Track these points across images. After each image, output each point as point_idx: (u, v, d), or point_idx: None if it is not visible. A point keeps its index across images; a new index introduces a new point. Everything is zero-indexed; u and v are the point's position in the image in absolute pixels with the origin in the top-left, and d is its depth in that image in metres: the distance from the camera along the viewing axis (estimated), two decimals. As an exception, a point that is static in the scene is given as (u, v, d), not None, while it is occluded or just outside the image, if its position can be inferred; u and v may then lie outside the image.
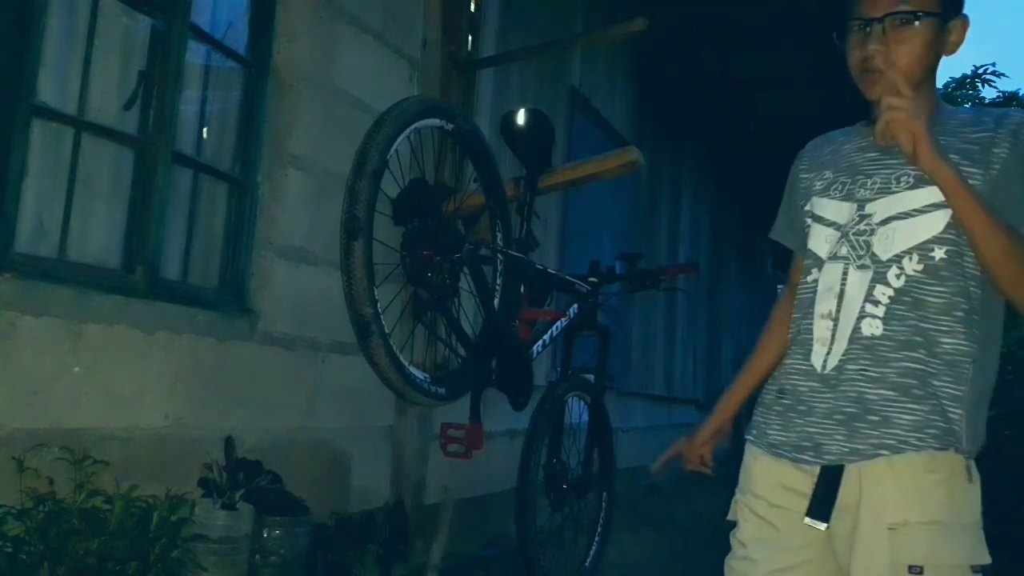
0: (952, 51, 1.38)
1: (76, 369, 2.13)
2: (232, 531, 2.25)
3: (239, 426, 2.60)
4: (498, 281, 2.56)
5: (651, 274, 3.06)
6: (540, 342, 2.74)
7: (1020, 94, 15.37)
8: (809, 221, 1.45)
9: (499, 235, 2.60)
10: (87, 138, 2.29)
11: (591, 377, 3.03)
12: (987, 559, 1.28)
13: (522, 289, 2.67)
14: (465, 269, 2.24)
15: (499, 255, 2.53)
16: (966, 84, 15.39)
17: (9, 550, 1.83)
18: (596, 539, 3.06)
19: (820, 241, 1.42)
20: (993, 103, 15.27)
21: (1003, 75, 12.42)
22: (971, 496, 1.30)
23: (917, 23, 1.32)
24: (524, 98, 4.31)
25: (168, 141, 2.46)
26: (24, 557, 1.83)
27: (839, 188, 1.42)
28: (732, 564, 1.47)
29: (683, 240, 7.84)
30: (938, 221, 1.30)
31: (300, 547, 2.48)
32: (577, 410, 2.99)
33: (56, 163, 2.22)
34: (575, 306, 2.94)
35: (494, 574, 3.58)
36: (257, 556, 2.38)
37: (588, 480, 2.99)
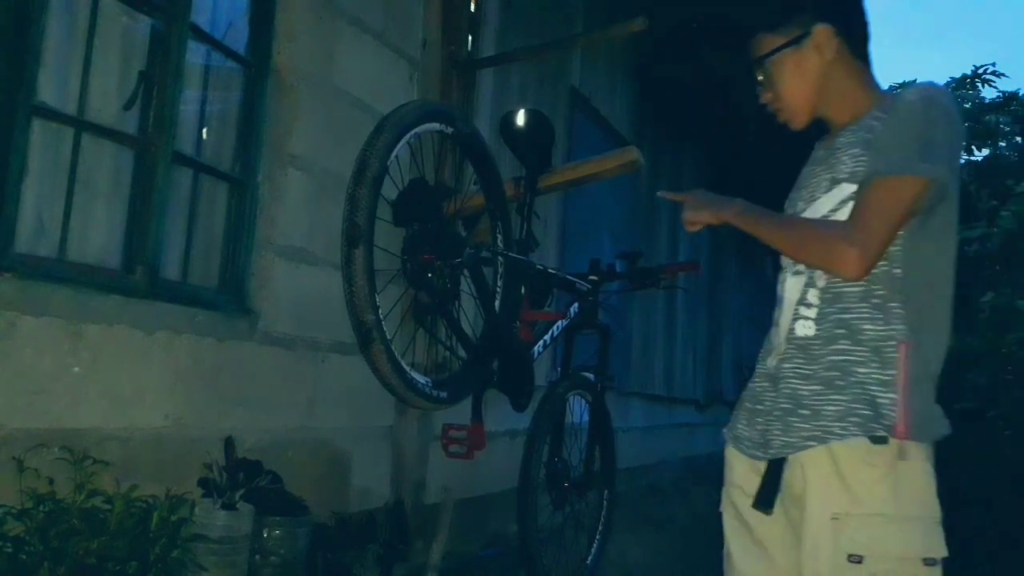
0: (831, 55, 1.47)
1: (76, 369, 2.13)
2: (232, 531, 2.25)
3: (239, 426, 2.60)
4: (498, 283, 2.56)
5: (651, 272, 3.06)
6: (541, 343, 2.74)
7: (1020, 94, 15.38)
8: None
9: (499, 237, 2.60)
10: (87, 138, 2.29)
11: (592, 376, 3.03)
12: (941, 552, 1.30)
13: (522, 290, 2.67)
14: (465, 272, 2.24)
15: (499, 257, 2.53)
16: (966, 84, 15.39)
17: (9, 550, 1.82)
18: (597, 538, 3.05)
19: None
20: (993, 103, 15.29)
21: (1003, 75, 12.42)
22: (919, 488, 1.33)
23: (769, 63, 1.49)
24: (524, 98, 4.31)
25: (168, 141, 2.46)
26: (24, 557, 1.83)
27: (791, 203, 1.55)
28: (726, 562, 1.57)
29: (683, 240, 7.84)
30: (848, 215, 1.37)
31: (300, 547, 2.48)
32: (578, 409, 2.99)
33: (56, 163, 2.22)
34: (575, 306, 2.94)
35: (494, 574, 3.58)
36: (257, 556, 2.38)
37: (589, 479, 2.99)
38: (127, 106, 2.41)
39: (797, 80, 1.49)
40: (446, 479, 3.52)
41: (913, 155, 1.31)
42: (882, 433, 1.31)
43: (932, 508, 1.33)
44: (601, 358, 3.08)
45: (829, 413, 1.36)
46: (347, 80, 3.13)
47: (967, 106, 15.29)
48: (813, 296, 1.42)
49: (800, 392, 1.40)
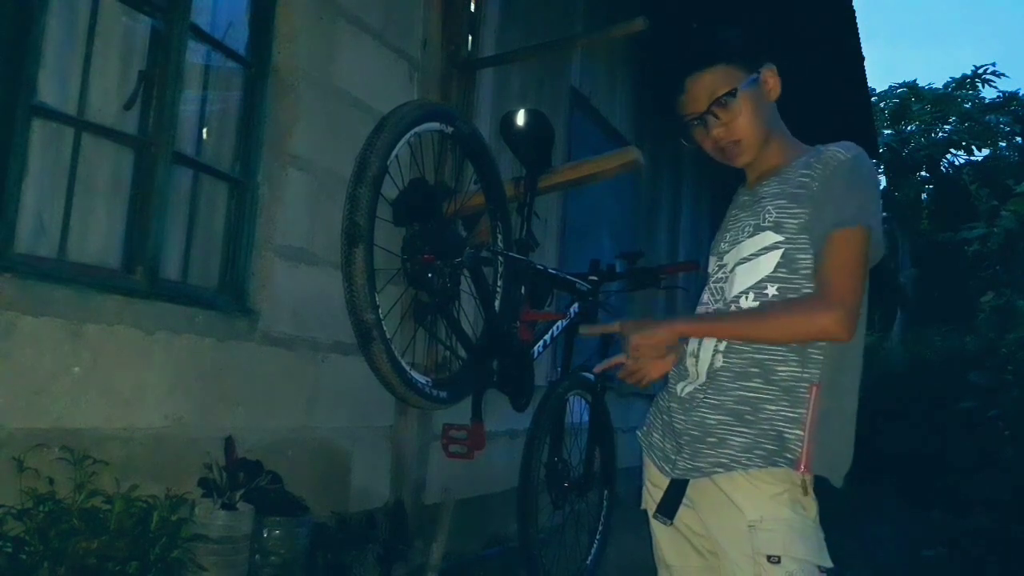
0: (775, 96, 1.56)
1: (76, 369, 2.13)
2: (232, 531, 2.25)
3: (239, 426, 2.60)
4: (498, 283, 2.56)
5: (651, 273, 3.06)
6: (541, 343, 2.74)
7: (1020, 94, 15.39)
8: None
9: (499, 236, 2.60)
10: (87, 138, 2.29)
11: (592, 376, 3.03)
12: (830, 563, 1.43)
13: (522, 290, 2.67)
14: (466, 271, 2.24)
15: (499, 257, 2.53)
16: (966, 84, 15.41)
17: (9, 550, 1.83)
18: (597, 538, 3.05)
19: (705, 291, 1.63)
20: (993, 103, 15.30)
21: (1003, 75, 12.44)
22: (811, 506, 1.45)
23: (736, 98, 1.51)
24: (524, 98, 4.31)
25: (168, 141, 2.46)
26: (24, 557, 1.83)
27: (716, 245, 1.63)
28: (655, 552, 1.68)
29: (683, 239, 7.84)
30: (771, 261, 1.48)
31: (300, 547, 2.48)
32: (578, 409, 2.99)
33: (56, 163, 2.22)
34: (575, 306, 2.94)
35: (494, 574, 3.58)
36: (257, 556, 2.38)
37: (589, 479, 2.99)
38: (127, 106, 2.41)
39: (754, 117, 1.53)
40: (446, 479, 3.52)
41: (856, 208, 1.41)
42: (783, 464, 1.43)
43: (818, 528, 1.45)
44: (601, 358, 3.08)
45: (736, 444, 1.46)
46: (347, 80, 3.12)
47: (967, 106, 15.30)
48: None
49: (708, 421, 1.49)
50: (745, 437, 1.45)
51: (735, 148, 1.55)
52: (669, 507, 1.54)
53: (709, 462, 1.48)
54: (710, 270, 1.62)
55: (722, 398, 1.48)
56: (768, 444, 1.43)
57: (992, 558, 5.02)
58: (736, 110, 1.51)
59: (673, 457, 1.55)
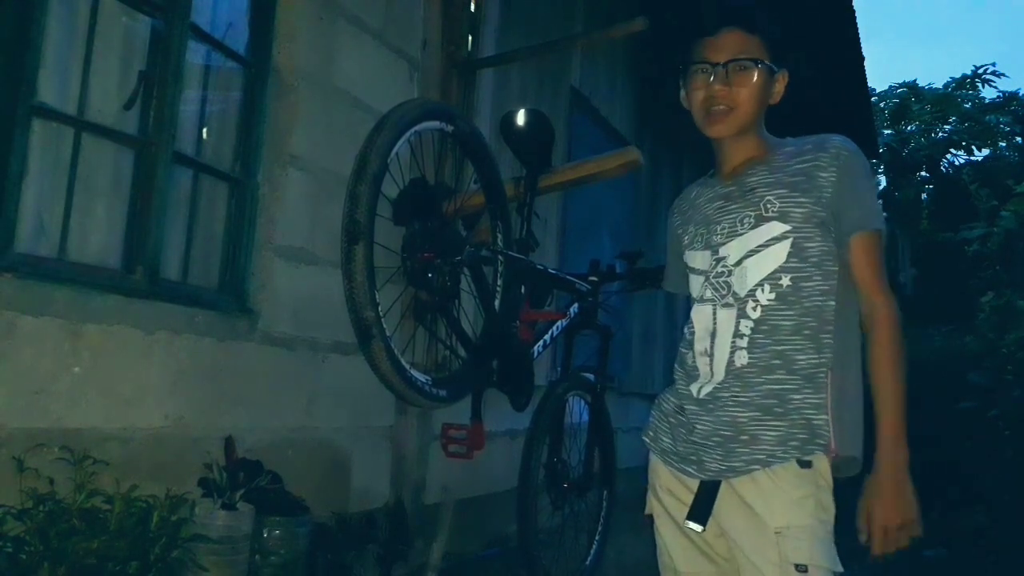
0: (776, 100, 1.57)
1: (76, 369, 2.13)
2: (232, 531, 2.25)
3: (239, 426, 2.60)
4: (498, 282, 2.56)
5: (651, 273, 3.06)
6: (540, 342, 2.73)
7: (1020, 94, 15.39)
8: (687, 272, 1.64)
9: (499, 236, 2.60)
10: (87, 138, 2.29)
11: (591, 376, 3.03)
12: (842, 568, 1.44)
13: (522, 290, 2.67)
14: (466, 271, 2.24)
15: (499, 256, 2.53)
16: (966, 84, 15.41)
17: (9, 550, 1.82)
18: (597, 538, 3.05)
19: (695, 288, 1.61)
20: (993, 103, 15.30)
21: (1003, 75, 12.45)
22: (830, 511, 1.45)
23: (756, 68, 1.51)
24: (524, 98, 4.31)
25: (168, 141, 2.46)
26: (24, 557, 1.83)
27: (700, 239, 1.61)
28: (662, 560, 1.64)
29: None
30: (781, 252, 1.48)
31: (300, 547, 2.48)
32: (578, 409, 2.99)
33: (56, 163, 2.22)
34: (575, 306, 2.94)
35: (494, 574, 3.58)
36: (257, 556, 2.38)
37: (589, 479, 2.99)
38: (127, 106, 2.41)
39: (757, 96, 1.53)
40: (446, 479, 3.53)
41: (875, 210, 1.50)
42: (809, 458, 1.44)
43: (832, 532, 1.45)
44: (601, 358, 3.08)
45: (770, 438, 1.45)
46: (347, 80, 3.13)
47: (967, 106, 15.29)
48: (745, 327, 1.50)
49: (739, 419, 1.47)
50: (778, 431, 1.45)
51: (724, 114, 1.54)
52: (702, 512, 1.51)
53: (744, 460, 1.46)
54: (702, 266, 1.58)
55: (750, 394, 1.47)
56: (800, 434, 1.44)
57: (992, 558, 5.02)
58: (749, 79, 1.51)
59: (695, 459, 1.52)
